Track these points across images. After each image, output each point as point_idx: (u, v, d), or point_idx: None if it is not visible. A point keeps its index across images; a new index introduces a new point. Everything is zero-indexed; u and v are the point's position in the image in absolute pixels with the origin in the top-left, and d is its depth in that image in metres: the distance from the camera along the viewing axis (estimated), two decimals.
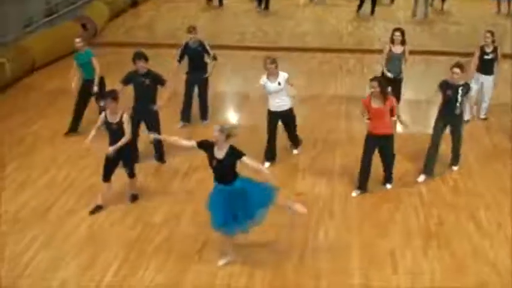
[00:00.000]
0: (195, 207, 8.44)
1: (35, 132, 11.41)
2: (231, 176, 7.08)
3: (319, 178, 9.61)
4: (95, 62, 10.90)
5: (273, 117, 9.75)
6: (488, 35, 11.24)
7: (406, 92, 11.27)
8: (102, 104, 8.66)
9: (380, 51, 11.69)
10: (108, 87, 10.42)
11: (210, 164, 7.05)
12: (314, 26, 19.36)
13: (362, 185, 9.06)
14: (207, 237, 7.87)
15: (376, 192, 9.16)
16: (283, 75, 9.56)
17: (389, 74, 11.11)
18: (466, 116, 11.41)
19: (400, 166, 9.64)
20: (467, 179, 9.59)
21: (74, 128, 10.96)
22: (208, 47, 11.27)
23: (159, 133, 9.49)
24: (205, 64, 11.34)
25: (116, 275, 7.38)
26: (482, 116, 11.73)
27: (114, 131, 8.38)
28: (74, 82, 10.94)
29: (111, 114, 8.37)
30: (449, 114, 9.23)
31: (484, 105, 11.75)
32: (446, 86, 9.19)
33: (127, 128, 8.37)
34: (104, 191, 8.74)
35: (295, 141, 10.28)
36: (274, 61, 9.48)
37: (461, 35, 16.92)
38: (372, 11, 20.46)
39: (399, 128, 10.22)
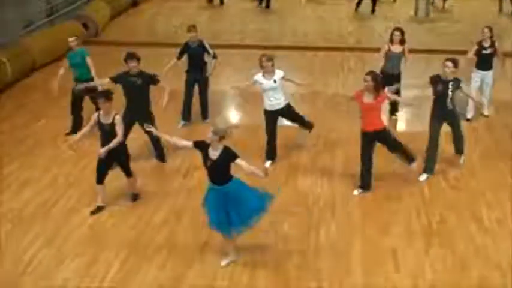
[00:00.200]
0: (195, 206, 8.42)
1: (36, 132, 11.42)
2: (225, 177, 7.08)
3: (320, 177, 9.60)
4: (89, 61, 10.87)
5: (270, 116, 9.70)
6: (486, 30, 11.22)
7: (407, 90, 11.21)
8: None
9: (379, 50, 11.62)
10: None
11: (205, 163, 7.07)
12: (315, 25, 19.33)
13: (364, 183, 9.04)
14: (208, 236, 7.87)
15: (377, 191, 9.13)
16: (278, 73, 9.51)
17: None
18: (469, 115, 11.45)
19: (401, 165, 9.63)
20: (469, 178, 9.57)
21: (73, 131, 10.90)
22: (208, 46, 11.26)
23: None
24: (205, 63, 11.33)
25: (118, 274, 7.40)
26: (485, 113, 11.70)
27: (107, 132, 8.35)
28: (56, 81, 10.89)
29: (104, 114, 8.33)
30: (442, 110, 9.14)
31: (485, 100, 11.70)
32: (437, 81, 9.10)
33: (119, 129, 8.32)
34: (99, 193, 8.74)
35: (306, 127, 10.17)
36: (270, 59, 9.41)
37: (462, 34, 16.87)
38: (373, 10, 20.42)
39: (399, 126, 10.24)
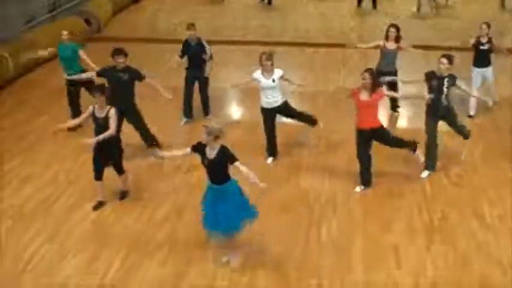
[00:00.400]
0: (196, 203, 8.38)
1: (38, 127, 11.41)
2: (224, 176, 7.05)
3: (322, 174, 9.57)
4: (83, 54, 10.90)
5: (267, 114, 9.68)
6: (484, 26, 11.16)
7: (408, 87, 11.18)
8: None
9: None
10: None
11: (203, 163, 7.04)
12: (317, 21, 19.30)
13: (365, 181, 9.03)
14: (209, 233, 7.85)
15: (379, 188, 9.12)
16: (278, 72, 9.45)
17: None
18: (471, 111, 11.43)
19: (402, 161, 9.62)
20: (471, 174, 9.55)
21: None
22: (206, 46, 11.20)
23: (141, 125, 9.70)
24: (204, 61, 11.27)
25: (119, 271, 7.40)
26: (490, 103, 11.66)
27: (101, 126, 8.33)
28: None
29: (99, 108, 8.34)
30: (436, 106, 9.07)
31: (489, 93, 11.69)
32: (432, 77, 9.04)
33: (112, 122, 8.30)
34: (98, 189, 8.74)
35: (310, 122, 10.15)
36: (270, 57, 9.34)
37: (464, 30, 16.80)
38: (374, 6, 20.37)
39: (400, 122, 10.23)
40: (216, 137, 6.86)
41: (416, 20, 19.03)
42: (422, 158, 9.19)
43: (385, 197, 8.93)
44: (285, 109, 9.75)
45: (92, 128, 8.57)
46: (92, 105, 8.51)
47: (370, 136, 8.74)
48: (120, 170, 8.80)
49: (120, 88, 9.54)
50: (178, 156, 7.73)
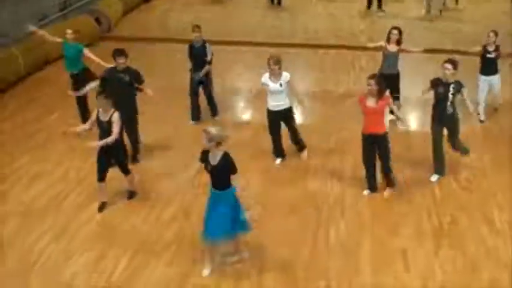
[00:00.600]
0: (204, 204, 8.42)
1: (48, 125, 11.45)
2: (226, 182, 6.99)
3: (330, 176, 9.54)
4: (87, 52, 10.89)
5: (272, 116, 9.64)
6: (492, 34, 11.08)
7: (416, 91, 11.13)
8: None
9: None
10: None
11: (206, 168, 7.01)
12: (327, 22, 19.27)
13: (370, 186, 8.99)
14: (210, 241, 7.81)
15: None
16: (285, 76, 9.38)
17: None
18: (482, 116, 11.37)
19: (412, 164, 9.59)
20: (481, 179, 9.50)
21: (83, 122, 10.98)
22: (208, 50, 11.09)
23: (133, 129, 9.69)
24: (208, 63, 11.19)
25: (126, 270, 7.42)
26: (499, 102, 11.60)
27: (105, 130, 8.31)
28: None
29: (103, 112, 8.31)
30: (442, 114, 8.95)
31: (496, 99, 11.70)
32: (438, 84, 8.94)
33: (115, 127, 8.28)
34: (101, 190, 8.74)
35: (299, 143, 10.06)
36: (278, 62, 9.27)
37: (472, 34, 16.73)
38: (379, 5, 20.32)
39: (400, 125, 10.21)
40: (218, 144, 6.80)
41: (424, 22, 18.94)
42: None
43: (394, 200, 8.89)
44: (287, 116, 9.70)
45: (88, 126, 8.68)
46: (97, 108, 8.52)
47: (373, 141, 8.66)
48: (125, 171, 8.81)
49: (122, 89, 9.50)
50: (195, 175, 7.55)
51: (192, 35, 11.10)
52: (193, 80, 11.29)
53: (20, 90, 13.47)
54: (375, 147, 8.73)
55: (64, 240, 8.02)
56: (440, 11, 19.98)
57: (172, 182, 9.39)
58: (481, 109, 11.37)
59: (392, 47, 11.01)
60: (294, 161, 10.05)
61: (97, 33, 17.22)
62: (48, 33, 11.79)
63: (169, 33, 17.96)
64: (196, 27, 11.08)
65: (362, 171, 9.14)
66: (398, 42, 10.97)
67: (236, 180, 6.99)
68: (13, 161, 10.13)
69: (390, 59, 11.06)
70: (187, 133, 11.01)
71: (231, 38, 17.05)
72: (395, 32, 10.94)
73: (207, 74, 11.27)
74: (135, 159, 9.97)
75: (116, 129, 8.27)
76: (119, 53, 9.58)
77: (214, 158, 6.87)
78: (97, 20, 17.47)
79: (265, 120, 9.98)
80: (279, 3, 21.15)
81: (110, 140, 8.25)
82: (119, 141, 8.54)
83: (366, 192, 8.99)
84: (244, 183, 9.19)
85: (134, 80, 9.63)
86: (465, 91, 8.95)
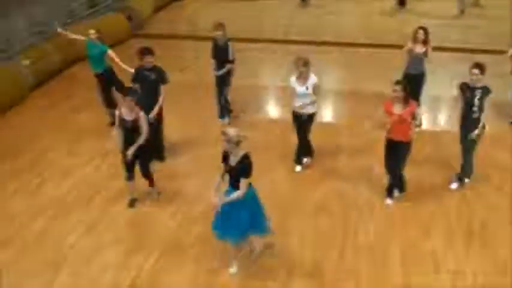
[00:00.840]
0: None
1: (80, 121, 11.60)
2: None
3: (359, 177, 9.49)
4: (111, 53, 10.91)
5: (296, 118, 9.43)
6: None
7: (445, 91, 11.03)
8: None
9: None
10: None
11: (225, 168, 6.98)
12: (357, 20, 19.16)
13: (399, 188, 8.84)
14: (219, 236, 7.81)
15: (418, 192, 9.03)
16: (312, 79, 9.12)
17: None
18: None
19: (442, 165, 9.52)
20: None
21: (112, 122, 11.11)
22: (230, 49, 10.92)
23: (158, 127, 9.56)
24: (229, 62, 11.03)
25: (154, 266, 7.50)
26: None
27: (129, 129, 8.23)
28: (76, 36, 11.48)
29: (129, 111, 8.21)
30: (467, 118, 8.72)
31: None
32: (465, 88, 8.71)
33: (144, 125, 8.24)
34: (129, 188, 8.80)
35: (306, 152, 9.85)
36: (306, 64, 8.99)
37: (500, 33, 16.51)
38: (402, 2, 20.20)
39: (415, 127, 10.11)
40: (237, 144, 6.76)
41: (456, 21, 18.72)
42: (388, 202, 8.86)
43: (424, 202, 8.83)
44: (306, 121, 9.44)
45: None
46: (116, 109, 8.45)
47: (395, 147, 8.45)
48: (145, 175, 8.71)
49: (148, 87, 9.46)
50: (219, 185, 7.12)
51: (215, 33, 10.95)
52: (216, 79, 11.25)
53: (54, 86, 13.67)
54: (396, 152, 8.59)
55: (94, 235, 8.14)
56: (463, 9, 19.69)
57: (199, 180, 9.44)
58: None
59: (419, 47, 10.91)
60: (322, 161, 10.02)
61: (128, 30, 17.38)
62: (72, 33, 11.86)
63: (198, 31, 18.04)
64: (219, 25, 10.88)
65: None
66: (425, 42, 10.87)
67: (242, 187, 6.80)
68: (47, 155, 10.31)
69: (416, 59, 10.94)
70: (215, 131, 11.04)
71: (262, 36, 17.08)
72: (421, 32, 10.83)
73: (228, 73, 11.17)
74: (161, 158, 10.03)
75: (144, 127, 8.24)
76: (146, 51, 9.53)
77: (234, 159, 6.85)
78: (129, 18, 17.63)
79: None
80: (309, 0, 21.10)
81: (142, 139, 8.25)
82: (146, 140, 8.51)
83: (389, 200, 8.84)
84: (272, 183, 9.31)
85: (160, 78, 9.60)
86: (490, 98, 8.64)
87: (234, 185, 6.91)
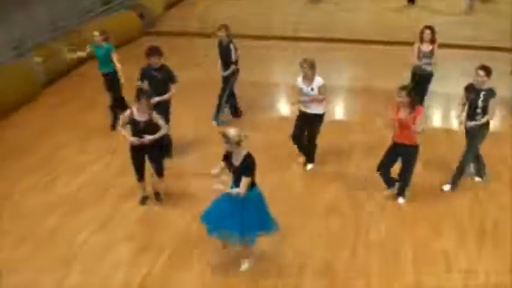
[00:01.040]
0: None
1: (91, 119, 11.63)
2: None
3: (370, 175, 9.36)
4: (114, 56, 10.87)
5: (300, 118, 9.37)
6: None
7: (455, 89, 10.96)
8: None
9: (442, 45, 11.36)
10: None
11: (229, 169, 6.97)
12: (369, 17, 19.09)
13: (389, 184, 8.78)
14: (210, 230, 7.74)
15: (429, 191, 8.99)
16: (318, 81, 9.06)
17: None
18: None
19: (454, 164, 9.45)
20: None
21: (113, 125, 11.15)
22: (232, 50, 10.84)
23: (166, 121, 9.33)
24: (232, 63, 10.98)
25: (165, 264, 7.51)
26: None
27: (141, 130, 8.12)
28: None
29: (141, 112, 8.11)
30: (469, 120, 8.62)
31: None
32: (470, 89, 8.64)
33: (160, 120, 8.18)
34: (141, 188, 8.78)
35: (310, 152, 9.75)
36: (311, 66, 8.94)
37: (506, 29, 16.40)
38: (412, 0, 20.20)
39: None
40: (239, 142, 6.75)
41: (468, 17, 18.62)
42: (401, 201, 8.79)
43: (436, 201, 8.79)
44: (311, 122, 9.36)
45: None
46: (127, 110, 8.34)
47: (399, 151, 8.39)
48: (160, 173, 8.64)
49: (154, 87, 9.41)
50: (218, 174, 7.08)
51: (218, 34, 10.90)
52: (222, 77, 11.22)
53: (65, 84, 13.71)
54: (398, 158, 8.51)
55: (106, 232, 8.17)
56: (472, 6, 19.56)
57: (208, 179, 9.41)
58: None
59: (426, 47, 10.89)
60: (334, 159, 9.99)
61: (140, 28, 17.41)
62: (80, 51, 11.80)
63: (209, 28, 18.01)
64: (222, 26, 10.86)
65: None
66: (432, 41, 10.85)
67: (243, 185, 6.76)
68: (58, 152, 10.35)
69: (423, 58, 10.94)
70: (223, 129, 11.05)
71: (272, 33, 17.05)
72: (428, 31, 10.83)
73: (232, 74, 11.11)
74: (169, 155, 10.04)
75: (161, 121, 8.21)
76: (153, 52, 9.48)
77: (237, 159, 6.84)
78: (140, 15, 17.66)
79: None
80: None
81: (163, 131, 8.23)
82: (161, 138, 8.50)
83: (386, 192, 8.83)
84: (283, 182, 9.30)
85: (168, 78, 9.55)
86: (494, 100, 8.51)
87: (238, 184, 6.89)
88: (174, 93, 9.58)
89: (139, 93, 8.18)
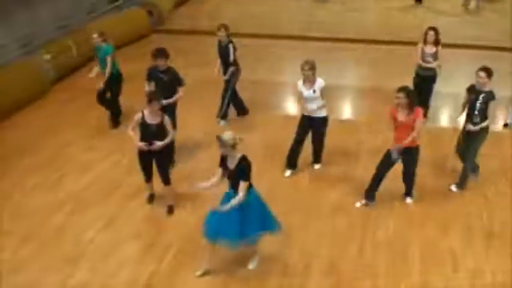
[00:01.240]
0: None
1: (99, 116, 11.61)
2: None
3: None
4: (108, 60, 10.84)
5: (303, 121, 9.29)
6: None
7: (461, 88, 10.90)
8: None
9: (448, 45, 11.32)
10: None
11: (224, 173, 6.94)
12: (377, 17, 19.05)
13: (368, 195, 8.62)
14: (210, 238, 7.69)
15: (437, 191, 8.98)
16: (319, 83, 8.99)
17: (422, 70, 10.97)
18: (510, 119, 11.06)
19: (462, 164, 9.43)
20: None
21: (114, 125, 11.21)
22: (231, 52, 10.83)
23: (174, 125, 9.27)
24: (230, 63, 10.97)
25: (171, 262, 7.50)
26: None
27: (151, 133, 8.04)
28: (93, 71, 11.25)
29: (153, 115, 8.06)
30: (468, 122, 8.58)
31: None
32: (471, 91, 8.59)
33: (168, 126, 8.16)
34: (148, 187, 8.78)
35: (317, 154, 9.71)
36: (312, 67, 8.83)
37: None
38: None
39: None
40: (233, 146, 6.73)
41: (472, 17, 18.53)
42: (409, 201, 8.77)
43: (444, 200, 8.76)
44: (319, 124, 9.30)
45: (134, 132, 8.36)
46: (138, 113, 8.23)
47: (402, 154, 8.31)
48: (166, 180, 8.52)
49: (160, 89, 9.33)
50: (216, 181, 7.06)
51: (217, 34, 10.86)
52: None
53: (73, 81, 13.74)
54: (395, 163, 8.44)
55: (112, 230, 8.18)
56: (478, 5, 19.47)
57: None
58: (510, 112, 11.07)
59: (430, 48, 10.85)
60: (342, 158, 9.98)
61: (149, 26, 17.43)
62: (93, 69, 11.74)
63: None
64: (221, 26, 10.81)
65: None
66: (436, 43, 10.80)
67: (242, 190, 6.72)
68: (65, 150, 10.38)
69: (427, 59, 10.90)
70: (233, 128, 11.03)
71: (281, 33, 17.03)
72: (431, 33, 10.79)
73: (233, 75, 11.08)
74: (171, 161, 9.97)
75: (168, 127, 8.18)
76: (159, 54, 9.42)
77: (232, 162, 6.82)
78: (149, 13, 17.67)
79: None
80: None
81: (170, 138, 8.21)
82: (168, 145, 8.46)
83: (357, 204, 8.68)
84: (291, 182, 9.29)
85: (175, 81, 9.50)
86: (493, 103, 8.47)
87: (235, 187, 6.86)
88: (181, 95, 9.53)
89: (152, 96, 8.08)
